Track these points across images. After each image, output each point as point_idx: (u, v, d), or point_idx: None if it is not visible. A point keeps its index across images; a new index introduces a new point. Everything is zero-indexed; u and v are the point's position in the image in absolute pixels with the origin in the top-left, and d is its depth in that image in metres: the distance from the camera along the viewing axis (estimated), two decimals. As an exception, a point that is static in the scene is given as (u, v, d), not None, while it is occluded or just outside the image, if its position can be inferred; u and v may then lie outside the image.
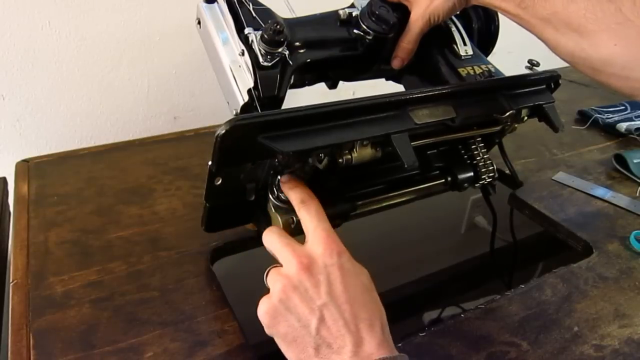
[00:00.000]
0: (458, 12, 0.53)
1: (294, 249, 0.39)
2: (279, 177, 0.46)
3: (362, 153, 0.46)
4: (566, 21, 0.41)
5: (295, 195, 0.43)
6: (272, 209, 0.47)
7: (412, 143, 0.44)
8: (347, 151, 0.45)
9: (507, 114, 0.51)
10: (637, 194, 0.73)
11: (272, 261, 0.41)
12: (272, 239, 0.40)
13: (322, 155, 0.45)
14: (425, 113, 0.45)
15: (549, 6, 0.42)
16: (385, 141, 0.44)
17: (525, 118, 0.55)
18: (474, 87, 0.51)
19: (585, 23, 0.40)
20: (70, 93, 0.79)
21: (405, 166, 0.42)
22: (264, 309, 0.38)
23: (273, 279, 0.39)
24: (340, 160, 0.45)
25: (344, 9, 0.52)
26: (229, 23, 0.47)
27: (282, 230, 0.42)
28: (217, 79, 0.48)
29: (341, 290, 0.37)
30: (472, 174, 0.59)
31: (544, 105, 0.54)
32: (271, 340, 0.40)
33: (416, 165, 0.42)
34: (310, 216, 0.41)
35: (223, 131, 0.37)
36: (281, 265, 0.40)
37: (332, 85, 0.58)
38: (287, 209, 0.46)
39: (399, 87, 0.60)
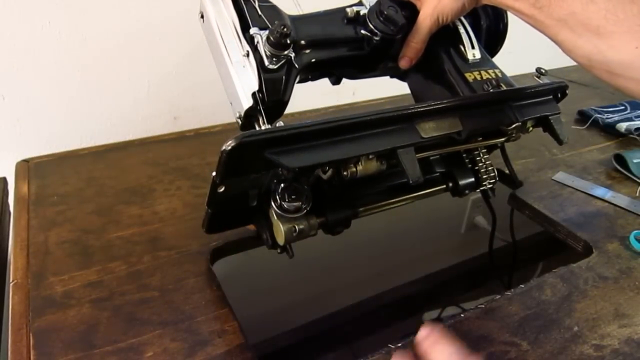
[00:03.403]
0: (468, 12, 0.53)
1: None
2: (281, 185, 0.45)
3: (367, 166, 0.45)
4: (585, 22, 0.40)
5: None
6: (274, 216, 0.46)
7: (417, 155, 0.43)
8: (352, 164, 0.45)
9: (513, 126, 0.51)
10: (637, 194, 0.73)
11: (274, 263, 0.41)
12: None
13: (327, 167, 0.45)
14: (431, 126, 0.45)
15: (566, 6, 0.41)
16: (390, 154, 0.43)
17: (531, 128, 0.55)
18: (480, 99, 0.50)
19: (605, 24, 0.39)
20: (70, 93, 0.79)
21: (410, 182, 0.42)
22: None
23: None
24: (345, 173, 0.45)
25: (351, 6, 0.51)
26: (233, 20, 0.47)
27: None
28: (219, 74, 0.48)
29: None
30: (473, 179, 0.58)
31: (549, 117, 0.53)
32: (271, 340, 0.39)
33: (421, 180, 0.42)
34: None
35: (229, 147, 0.36)
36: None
37: (336, 82, 0.57)
38: (289, 217, 0.46)
39: (400, 86, 0.60)
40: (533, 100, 0.53)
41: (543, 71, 0.54)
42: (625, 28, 0.38)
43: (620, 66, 0.40)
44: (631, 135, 0.90)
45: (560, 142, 0.53)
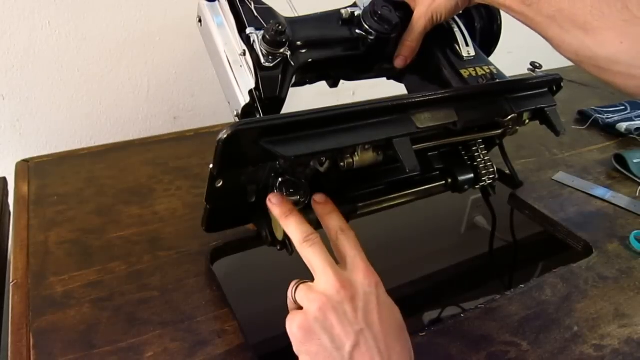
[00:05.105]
0: (461, 12, 0.53)
1: (336, 270, 0.38)
2: (279, 179, 0.46)
3: (364, 157, 0.45)
4: (572, 18, 0.41)
5: (333, 223, 0.42)
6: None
7: (413, 147, 0.43)
8: (348, 155, 0.45)
9: (509, 117, 0.51)
10: (637, 194, 0.73)
11: (274, 262, 0.41)
12: (313, 254, 0.39)
13: (323, 158, 0.45)
14: (427, 117, 0.45)
15: (554, 3, 0.42)
16: (387, 145, 0.43)
17: (527, 121, 0.55)
18: (476, 90, 0.51)
19: (591, 20, 0.39)
20: (70, 93, 0.79)
21: (407, 171, 0.42)
22: (298, 324, 0.37)
23: (308, 296, 0.38)
24: (341, 164, 0.45)
25: (346, 8, 0.52)
26: (230, 22, 0.47)
27: (324, 246, 0.40)
28: (218, 77, 0.48)
29: (377, 320, 0.37)
30: (472, 175, 0.59)
31: (545, 109, 0.53)
32: (271, 340, 0.40)
33: (418, 170, 0.42)
34: (350, 245, 0.41)
35: (225, 136, 0.36)
36: (311, 281, 0.39)
37: (333, 84, 0.57)
38: None
39: (399, 86, 0.60)
40: (528, 93, 0.53)
41: (537, 65, 0.54)
42: (610, 24, 0.39)
43: (606, 61, 0.40)
44: (631, 135, 0.90)
45: (557, 133, 0.53)
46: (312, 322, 0.37)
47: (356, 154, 0.45)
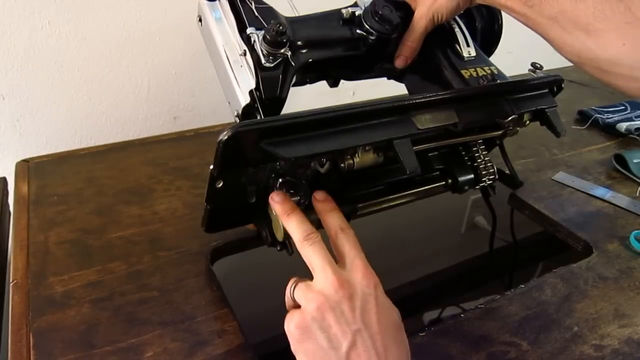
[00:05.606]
0: (462, 12, 0.53)
1: (335, 269, 0.38)
2: (279, 179, 0.46)
3: (364, 158, 0.46)
4: (574, 20, 0.41)
5: (333, 221, 0.42)
6: (273, 211, 0.47)
7: (414, 148, 0.43)
8: (349, 156, 0.45)
9: (510, 118, 0.51)
10: (637, 194, 0.73)
11: (274, 262, 0.41)
12: (313, 253, 0.39)
13: (324, 160, 0.45)
14: (427, 118, 0.45)
15: (556, 5, 0.42)
16: (387, 146, 0.43)
17: (528, 122, 0.55)
18: (476, 91, 0.50)
19: (593, 22, 0.40)
20: (70, 93, 0.79)
21: (407, 172, 0.42)
22: (296, 323, 0.38)
23: (306, 295, 0.38)
24: (342, 165, 0.45)
25: (346, 7, 0.52)
26: (230, 22, 0.47)
27: (324, 245, 0.40)
28: (218, 77, 0.48)
29: (375, 320, 0.37)
30: (472, 176, 0.59)
31: (546, 110, 0.53)
32: (271, 340, 0.40)
33: (418, 171, 0.42)
34: (349, 245, 0.41)
35: (225, 137, 0.36)
36: (309, 279, 0.39)
37: (334, 84, 0.57)
38: None
39: (399, 86, 0.60)
40: (529, 94, 0.53)
41: (538, 66, 0.54)
42: (613, 25, 0.39)
43: (608, 63, 0.40)
44: (631, 135, 0.90)
45: (557, 134, 0.53)
46: (309, 321, 0.37)
47: (357, 155, 0.45)
